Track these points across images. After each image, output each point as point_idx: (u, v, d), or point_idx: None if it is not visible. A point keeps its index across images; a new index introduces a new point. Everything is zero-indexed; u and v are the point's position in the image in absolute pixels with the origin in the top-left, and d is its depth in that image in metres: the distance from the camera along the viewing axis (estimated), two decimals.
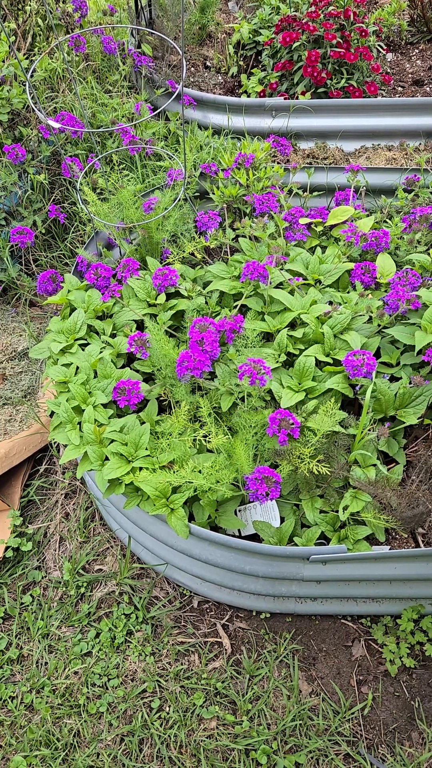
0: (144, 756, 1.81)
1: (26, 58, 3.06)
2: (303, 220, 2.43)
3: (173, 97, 2.75)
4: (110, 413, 1.99)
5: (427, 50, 3.96)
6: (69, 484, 2.39)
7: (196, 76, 3.84)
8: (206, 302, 2.25)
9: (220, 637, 2.00)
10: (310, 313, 2.07)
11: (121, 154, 2.91)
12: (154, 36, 3.51)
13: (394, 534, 1.96)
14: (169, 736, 1.83)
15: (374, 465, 1.85)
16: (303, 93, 3.32)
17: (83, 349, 2.15)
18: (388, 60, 3.91)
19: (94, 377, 2.08)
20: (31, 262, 2.87)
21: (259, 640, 1.99)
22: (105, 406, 2.02)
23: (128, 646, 2.01)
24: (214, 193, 2.60)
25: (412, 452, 2.02)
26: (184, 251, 2.42)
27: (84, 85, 3.04)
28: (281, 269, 2.18)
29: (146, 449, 1.87)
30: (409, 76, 3.79)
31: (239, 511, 2.00)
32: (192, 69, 3.88)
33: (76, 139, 2.89)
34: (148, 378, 2.18)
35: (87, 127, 2.66)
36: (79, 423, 1.99)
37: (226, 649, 1.97)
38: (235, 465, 1.83)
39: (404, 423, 1.90)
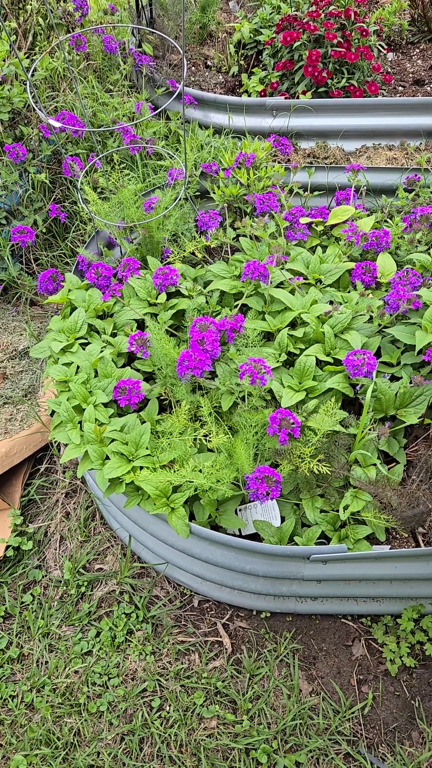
0: (144, 755, 1.82)
1: (27, 57, 3.06)
2: (304, 220, 2.43)
3: (174, 96, 2.75)
4: (111, 412, 1.99)
5: (428, 50, 3.95)
6: (69, 483, 2.39)
7: (197, 75, 3.84)
8: (207, 302, 2.25)
9: (221, 637, 2.00)
10: (311, 312, 2.07)
11: (122, 153, 2.91)
12: (155, 35, 3.51)
13: (394, 533, 1.96)
14: (169, 735, 1.84)
15: (375, 464, 1.85)
16: (304, 92, 3.32)
17: (84, 349, 2.15)
18: (389, 59, 3.91)
19: (95, 376, 2.08)
20: (32, 261, 2.87)
21: (260, 639, 1.99)
22: (105, 405, 2.02)
23: (129, 645, 2.01)
24: (214, 193, 2.60)
25: (413, 452, 2.02)
26: (184, 250, 2.42)
27: (85, 85, 3.04)
28: (282, 269, 2.18)
29: (147, 448, 1.88)
30: (410, 75, 3.79)
31: (240, 510, 2.00)
32: (193, 68, 3.88)
33: (77, 139, 2.89)
34: (149, 377, 2.18)
35: (88, 127, 2.66)
36: (80, 422, 1.99)
37: (226, 649, 1.98)
38: (236, 464, 1.83)
39: (405, 422, 1.90)
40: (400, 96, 3.65)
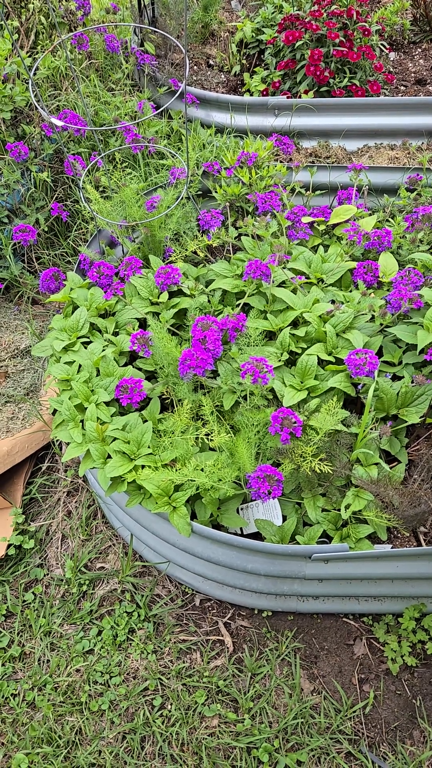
0: (146, 754, 1.82)
1: (29, 56, 3.06)
2: (306, 219, 2.43)
3: (176, 95, 2.75)
4: (113, 411, 1.99)
5: (430, 49, 3.95)
6: (71, 482, 2.39)
7: (199, 74, 3.84)
8: (209, 301, 2.25)
9: (222, 636, 2.00)
10: (313, 311, 2.07)
11: (124, 152, 2.91)
12: (157, 34, 3.51)
13: (396, 533, 1.96)
14: (170, 733, 1.84)
15: (376, 464, 1.85)
16: (306, 92, 3.32)
17: (86, 347, 2.15)
18: (391, 59, 3.91)
19: (97, 375, 2.08)
20: (34, 260, 2.87)
21: (261, 638, 1.99)
22: (107, 404, 2.02)
23: (130, 644, 2.01)
24: (216, 192, 2.60)
25: (414, 451, 2.02)
26: (186, 250, 2.42)
27: (87, 83, 3.04)
28: (284, 268, 2.18)
29: (149, 447, 1.88)
30: (412, 75, 3.79)
31: (241, 509, 2.00)
32: (195, 67, 3.88)
33: (79, 137, 2.89)
34: (151, 376, 2.18)
35: (90, 125, 2.66)
36: (82, 421, 1.99)
37: (227, 648, 1.98)
38: (238, 463, 1.83)
39: (406, 422, 1.90)
40: (402, 96, 3.65)
